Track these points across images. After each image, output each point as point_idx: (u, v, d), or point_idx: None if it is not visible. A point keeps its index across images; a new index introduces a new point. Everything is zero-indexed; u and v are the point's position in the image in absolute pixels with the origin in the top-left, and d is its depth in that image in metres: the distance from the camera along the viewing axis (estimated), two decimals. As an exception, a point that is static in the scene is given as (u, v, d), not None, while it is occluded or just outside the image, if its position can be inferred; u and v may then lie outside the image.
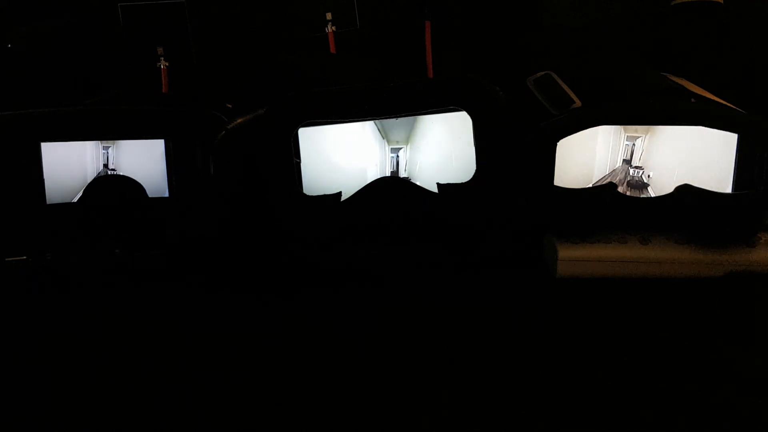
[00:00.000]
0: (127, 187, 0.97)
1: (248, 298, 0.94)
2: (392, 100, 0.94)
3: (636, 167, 0.97)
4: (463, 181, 0.94)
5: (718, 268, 0.93)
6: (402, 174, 1.00)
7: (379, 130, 1.00)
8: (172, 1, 1.35)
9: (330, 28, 1.38)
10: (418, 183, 0.97)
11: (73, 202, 0.97)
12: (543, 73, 1.13)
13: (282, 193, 0.95)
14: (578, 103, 0.95)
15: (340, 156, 1.00)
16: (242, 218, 0.99)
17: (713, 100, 0.97)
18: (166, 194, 0.99)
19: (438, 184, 0.95)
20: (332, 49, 1.39)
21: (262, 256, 1.00)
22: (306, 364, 0.78)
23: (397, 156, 1.00)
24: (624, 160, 0.98)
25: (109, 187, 0.97)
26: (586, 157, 0.99)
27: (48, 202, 0.97)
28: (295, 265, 0.99)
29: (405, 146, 1.01)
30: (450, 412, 0.69)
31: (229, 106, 1.08)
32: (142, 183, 0.97)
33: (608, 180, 0.97)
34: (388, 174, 1.00)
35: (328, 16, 1.38)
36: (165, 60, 1.33)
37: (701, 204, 0.91)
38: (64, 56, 1.37)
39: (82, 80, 1.35)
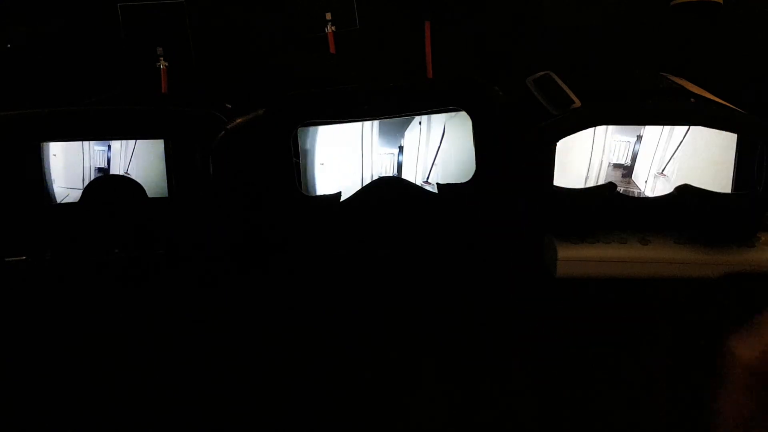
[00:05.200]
0: (127, 187, 0.97)
1: (247, 298, 0.94)
2: (392, 100, 0.94)
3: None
4: (463, 181, 0.94)
5: (718, 268, 0.93)
6: (402, 175, 1.00)
7: (378, 130, 1.00)
8: (171, 1, 1.35)
9: (330, 28, 1.38)
10: (417, 183, 0.97)
11: (73, 202, 0.97)
12: (542, 73, 1.13)
13: (281, 193, 0.95)
14: (578, 103, 0.95)
15: (340, 156, 1.00)
16: (241, 218, 0.99)
17: (713, 100, 0.97)
18: (166, 194, 0.99)
19: (438, 184, 0.95)
20: (332, 49, 1.39)
21: (260, 257, 1.00)
22: (305, 365, 0.78)
23: (397, 156, 1.00)
24: (617, 164, 0.97)
25: (109, 187, 0.97)
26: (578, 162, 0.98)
27: (47, 202, 0.97)
28: (294, 266, 0.99)
29: (405, 146, 1.01)
30: (450, 412, 0.69)
31: (229, 106, 1.08)
32: (141, 183, 0.97)
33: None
34: (387, 174, 1.00)
35: (328, 16, 1.38)
36: (164, 60, 1.33)
37: (701, 204, 0.91)
38: (64, 56, 1.37)
39: (81, 80, 1.35)
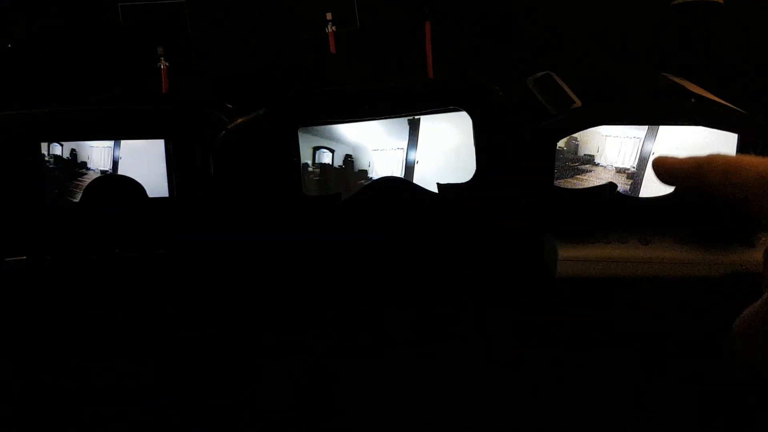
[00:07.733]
0: (127, 187, 0.97)
1: (248, 299, 0.94)
2: (392, 100, 0.94)
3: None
4: (463, 181, 0.94)
5: (718, 268, 0.93)
6: (402, 174, 1.00)
7: (378, 130, 1.00)
8: (172, 1, 1.35)
9: (330, 28, 1.38)
10: (418, 183, 0.97)
11: (73, 202, 0.97)
12: (543, 73, 1.13)
13: (282, 192, 0.95)
14: (578, 103, 0.95)
15: (340, 155, 1.00)
16: (242, 218, 0.99)
17: (713, 100, 0.97)
18: (166, 194, 0.99)
19: (438, 184, 0.95)
20: (332, 49, 1.39)
21: (261, 257, 1.00)
22: (305, 365, 0.78)
23: (401, 156, 1.00)
24: (620, 168, 0.97)
25: (109, 187, 0.97)
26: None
27: (47, 202, 0.97)
28: (295, 266, 0.99)
29: (405, 147, 1.01)
30: (449, 412, 0.69)
31: (229, 106, 1.08)
32: (142, 183, 0.97)
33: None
34: (387, 174, 1.00)
35: (328, 16, 1.38)
36: (165, 60, 1.33)
37: (701, 204, 0.91)
38: (64, 56, 1.37)
39: (82, 80, 1.35)
